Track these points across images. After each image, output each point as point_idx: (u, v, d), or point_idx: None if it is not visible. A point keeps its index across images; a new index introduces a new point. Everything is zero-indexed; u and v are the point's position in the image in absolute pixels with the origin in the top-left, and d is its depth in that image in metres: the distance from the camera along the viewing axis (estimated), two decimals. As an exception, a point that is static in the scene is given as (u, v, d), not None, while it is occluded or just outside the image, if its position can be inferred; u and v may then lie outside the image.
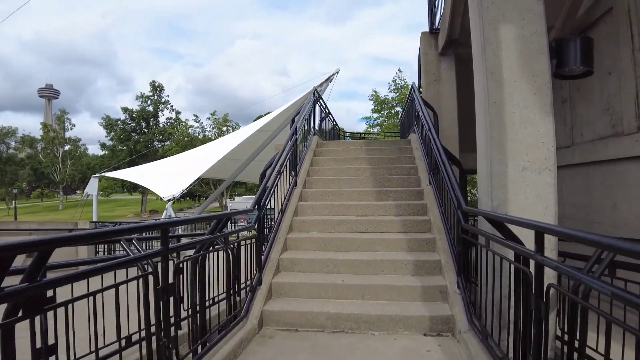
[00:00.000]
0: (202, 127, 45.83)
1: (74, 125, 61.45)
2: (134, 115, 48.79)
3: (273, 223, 4.87)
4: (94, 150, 76.54)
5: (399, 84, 32.28)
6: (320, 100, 8.68)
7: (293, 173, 5.84)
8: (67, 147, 58.55)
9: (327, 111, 9.49)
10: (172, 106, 51.36)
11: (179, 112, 52.39)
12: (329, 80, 32.24)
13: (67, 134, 59.96)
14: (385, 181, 5.97)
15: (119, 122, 49.32)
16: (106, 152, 52.72)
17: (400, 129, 12.05)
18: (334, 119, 10.85)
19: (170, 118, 51.30)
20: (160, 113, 50.76)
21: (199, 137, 43.92)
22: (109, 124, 49.09)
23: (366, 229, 4.86)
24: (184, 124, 47.57)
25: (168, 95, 52.05)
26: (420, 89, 7.92)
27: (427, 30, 8.06)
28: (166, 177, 18.17)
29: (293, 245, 4.65)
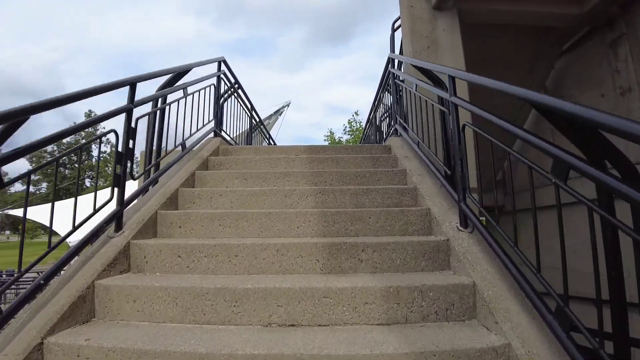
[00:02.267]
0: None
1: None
2: (62, 147, 42.94)
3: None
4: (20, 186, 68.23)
5: (354, 126, 30.76)
6: (231, 79, 5.14)
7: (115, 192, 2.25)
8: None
9: (245, 102, 6.12)
10: (107, 139, 46.04)
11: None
12: (278, 112, 29.32)
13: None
14: (349, 220, 2.53)
15: (47, 154, 43.14)
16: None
17: (366, 135, 8.87)
18: (260, 119, 7.35)
19: (105, 152, 45.84)
20: (94, 146, 45.23)
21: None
22: (35, 156, 42.75)
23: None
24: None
25: (104, 127, 46.78)
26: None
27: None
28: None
29: None
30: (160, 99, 3.26)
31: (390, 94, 4.85)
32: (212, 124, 4.36)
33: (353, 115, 31.94)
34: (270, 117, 25.98)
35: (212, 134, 4.39)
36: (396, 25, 5.02)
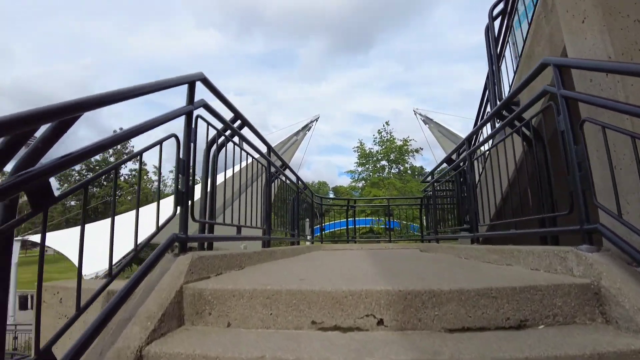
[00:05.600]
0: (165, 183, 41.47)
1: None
2: (91, 165, 44.12)
3: None
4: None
5: (384, 136, 30.10)
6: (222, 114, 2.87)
7: None
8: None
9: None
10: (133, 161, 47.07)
11: (145, 164, 47.95)
12: (306, 128, 29.28)
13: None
14: None
15: (75, 172, 44.42)
16: (56, 207, 47.04)
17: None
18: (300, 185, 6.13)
19: (134, 170, 46.77)
20: (123, 165, 46.26)
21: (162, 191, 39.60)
22: (63, 175, 44.06)
23: None
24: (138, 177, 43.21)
25: (133, 146, 47.89)
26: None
27: None
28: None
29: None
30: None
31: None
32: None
33: (383, 125, 31.13)
34: (297, 133, 25.77)
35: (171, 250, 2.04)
36: (496, 11, 4.36)
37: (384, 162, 30.81)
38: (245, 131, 3.43)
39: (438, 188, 6.20)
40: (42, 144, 1.28)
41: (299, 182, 6.16)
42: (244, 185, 3.43)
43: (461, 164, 4.63)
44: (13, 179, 1.13)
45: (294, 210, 5.45)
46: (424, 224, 9.05)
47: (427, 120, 25.62)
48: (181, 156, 2.11)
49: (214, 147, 2.88)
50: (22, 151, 1.23)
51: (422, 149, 30.09)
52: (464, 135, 14.61)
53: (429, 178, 6.71)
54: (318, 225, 8.90)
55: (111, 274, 1.54)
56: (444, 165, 5.99)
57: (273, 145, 13.45)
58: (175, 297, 1.71)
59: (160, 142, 1.92)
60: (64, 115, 1.29)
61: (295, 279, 2.03)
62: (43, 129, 1.28)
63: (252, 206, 3.52)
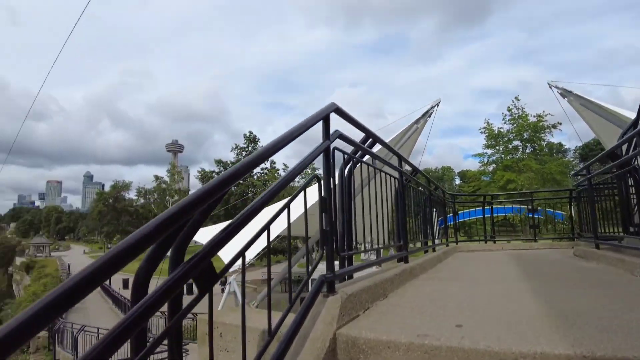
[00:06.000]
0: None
1: (182, 178, 66.46)
2: (228, 166, 50.05)
3: None
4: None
5: (515, 113, 26.70)
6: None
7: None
8: (175, 197, 63.09)
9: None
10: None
11: (274, 162, 52.09)
12: (427, 114, 27.96)
13: (178, 186, 64.95)
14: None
15: (214, 174, 50.92)
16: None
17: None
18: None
19: (265, 168, 51.36)
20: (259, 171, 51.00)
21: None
22: (204, 177, 50.99)
23: None
24: (269, 173, 47.04)
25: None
26: None
27: None
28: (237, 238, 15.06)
29: None
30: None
31: None
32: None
33: (513, 101, 27.28)
34: (417, 121, 24.35)
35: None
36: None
37: (516, 142, 27.48)
38: (375, 148, 3.37)
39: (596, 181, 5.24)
40: (193, 226, 1.34)
41: (430, 184, 5.85)
42: (374, 204, 3.36)
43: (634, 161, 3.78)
44: (180, 270, 1.21)
45: (425, 215, 5.20)
46: (575, 218, 7.81)
47: (565, 93, 21.78)
48: (322, 194, 2.12)
49: (346, 171, 2.87)
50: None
51: (560, 123, 25.77)
52: (618, 109, 11.88)
53: (585, 172, 5.71)
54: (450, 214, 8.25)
55: (270, 333, 1.61)
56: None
57: (392, 137, 12.90)
58: (329, 346, 1.73)
59: (303, 188, 1.95)
60: (215, 195, 1.33)
61: (450, 324, 1.87)
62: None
63: (383, 223, 3.44)
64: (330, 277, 2.06)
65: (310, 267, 2.03)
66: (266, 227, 1.66)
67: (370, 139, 3.24)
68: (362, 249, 2.88)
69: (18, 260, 58.91)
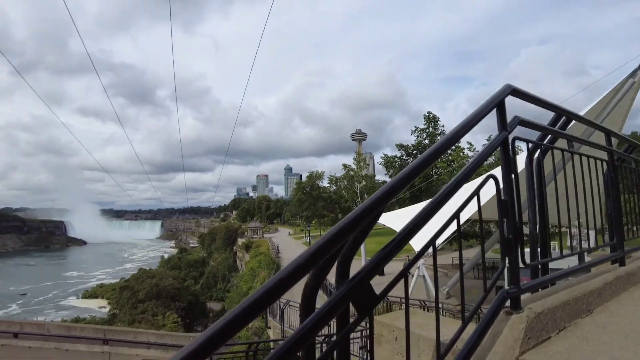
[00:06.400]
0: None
1: (367, 165, 70.01)
2: (409, 150, 49.79)
3: None
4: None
5: None
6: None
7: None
8: (362, 183, 67.21)
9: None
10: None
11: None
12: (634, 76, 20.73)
13: (364, 172, 69.02)
14: None
15: (397, 159, 51.47)
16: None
17: None
18: None
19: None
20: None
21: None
22: (387, 162, 52.09)
23: None
24: (455, 153, 44.20)
25: (443, 126, 50.13)
26: None
27: None
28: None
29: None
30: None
31: None
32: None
33: None
34: (634, 73, 17.02)
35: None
36: None
37: None
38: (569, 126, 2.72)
39: None
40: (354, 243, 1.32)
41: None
42: (572, 196, 2.69)
43: None
44: (343, 291, 1.21)
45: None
46: None
47: None
48: (502, 196, 1.85)
49: (534, 162, 2.41)
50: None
51: None
52: None
53: None
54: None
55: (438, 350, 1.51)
56: None
57: (595, 102, 10.14)
58: (511, 374, 1.52)
59: (477, 192, 1.73)
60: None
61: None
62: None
63: (587, 217, 2.74)
64: (514, 292, 1.79)
65: (489, 281, 1.81)
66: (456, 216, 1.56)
67: (564, 118, 2.63)
68: (558, 254, 2.39)
69: (239, 241, 73.48)
